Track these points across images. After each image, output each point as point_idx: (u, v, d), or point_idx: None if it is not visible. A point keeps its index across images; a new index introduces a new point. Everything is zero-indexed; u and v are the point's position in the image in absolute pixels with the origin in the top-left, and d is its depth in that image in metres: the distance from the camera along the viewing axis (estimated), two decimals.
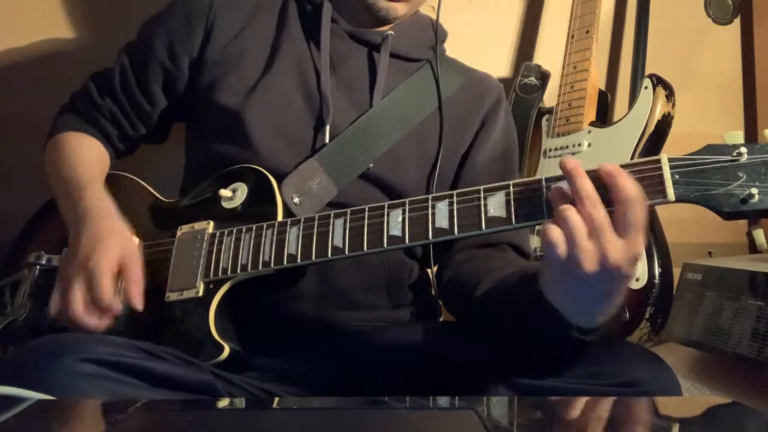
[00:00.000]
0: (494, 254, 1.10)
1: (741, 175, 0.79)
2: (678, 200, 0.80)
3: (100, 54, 1.23)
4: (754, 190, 0.78)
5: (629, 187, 0.76)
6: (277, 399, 0.99)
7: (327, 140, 1.08)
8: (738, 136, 0.81)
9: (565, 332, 0.84)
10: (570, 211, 0.77)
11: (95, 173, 1.11)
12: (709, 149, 0.81)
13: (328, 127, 1.09)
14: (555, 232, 0.77)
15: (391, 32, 1.15)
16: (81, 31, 1.59)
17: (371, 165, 1.10)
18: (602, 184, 0.78)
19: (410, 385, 0.97)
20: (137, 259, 0.99)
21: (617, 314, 0.84)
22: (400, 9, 1.12)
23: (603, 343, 0.95)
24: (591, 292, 0.80)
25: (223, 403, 0.87)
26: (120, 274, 0.97)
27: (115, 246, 0.97)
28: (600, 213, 0.76)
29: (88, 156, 1.14)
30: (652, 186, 0.80)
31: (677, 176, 0.80)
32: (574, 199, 0.79)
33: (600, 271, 0.76)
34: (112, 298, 0.94)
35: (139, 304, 0.96)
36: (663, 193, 0.80)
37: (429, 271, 1.18)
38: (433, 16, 1.23)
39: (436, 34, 1.21)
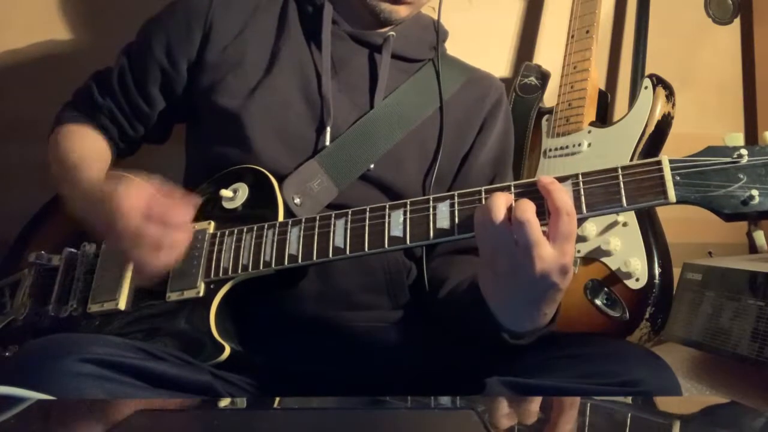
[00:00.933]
0: (467, 259, 1.11)
1: (741, 176, 0.79)
2: (679, 202, 0.80)
3: (100, 54, 1.24)
4: (755, 192, 0.78)
5: (562, 199, 0.81)
6: (277, 399, 0.99)
7: (328, 142, 1.08)
8: (738, 138, 0.81)
9: (496, 334, 0.89)
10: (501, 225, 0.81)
11: (98, 161, 1.12)
12: (710, 151, 0.81)
13: (328, 129, 1.09)
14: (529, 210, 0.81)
15: (392, 33, 1.15)
16: (81, 31, 1.59)
17: (372, 166, 1.10)
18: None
19: (410, 385, 0.97)
20: (161, 186, 0.97)
21: (549, 323, 0.89)
22: (403, 11, 1.12)
23: (603, 343, 0.95)
24: (521, 294, 0.84)
25: (223, 403, 0.87)
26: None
27: (142, 190, 0.95)
28: (534, 229, 0.80)
29: (90, 146, 1.15)
30: (653, 187, 0.81)
31: (678, 178, 0.80)
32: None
33: (530, 274, 0.81)
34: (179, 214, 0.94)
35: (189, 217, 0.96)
36: (664, 194, 0.80)
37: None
38: (434, 17, 1.23)
39: (438, 34, 1.21)
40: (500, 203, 0.82)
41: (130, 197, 0.93)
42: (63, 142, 1.14)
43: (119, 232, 0.93)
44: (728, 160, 0.80)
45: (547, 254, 0.80)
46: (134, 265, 0.97)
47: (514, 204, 0.82)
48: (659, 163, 0.81)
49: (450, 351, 1.03)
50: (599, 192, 0.83)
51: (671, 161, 0.81)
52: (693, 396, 1.35)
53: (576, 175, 0.84)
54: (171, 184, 0.98)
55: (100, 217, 0.96)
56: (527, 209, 0.80)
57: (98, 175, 1.06)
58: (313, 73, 1.12)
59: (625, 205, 0.81)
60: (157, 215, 0.93)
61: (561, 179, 0.84)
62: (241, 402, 0.92)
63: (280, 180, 1.05)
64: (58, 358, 0.80)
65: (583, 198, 0.83)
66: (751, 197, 0.78)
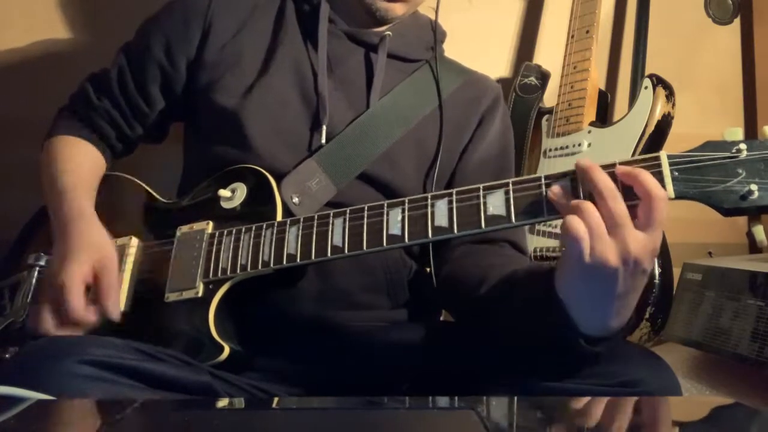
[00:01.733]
0: (493, 251, 1.10)
1: (740, 171, 0.78)
2: (677, 197, 0.80)
3: (100, 54, 1.23)
4: (754, 187, 0.77)
5: (655, 183, 0.77)
6: (276, 399, 0.99)
7: (323, 141, 1.08)
8: (737, 133, 0.80)
9: (571, 338, 0.83)
10: (589, 205, 0.78)
11: (83, 179, 1.11)
12: (709, 146, 0.80)
13: (324, 128, 1.09)
14: (580, 227, 0.77)
15: (388, 33, 1.15)
16: (80, 32, 1.59)
17: (369, 165, 1.09)
18: (614, 179, 0.79)
19: (410, 385, 0.97)
20: (112, 267, 0.99)
21: (627, 322, 0.84)
22: (399, 9, 1.12)
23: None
24: (610, 289, 0.79)
25: (223, 403, 0.86)
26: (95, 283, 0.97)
27: (86, 257, 0.97)
28: (621, 206, 0.77)
29: (78, 162, 1.14)
30: None
31: (676, 173, 0.80)
32: (588, 194, 0.80)
33: (621, 265, 0.77)
34: (82, 312, 0.95)
35: (114, 314, 0.97)
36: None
37: (428, 269, 1.17)
38: (432, 16, 1.23)
39: (435, 34, 1.21)
40: (595, 212, 0.78)
41: (79, 269, 0.96)
42: (50, 158, 1.14)
43: (55, 272, 0.96)
44: (727, 154, 0.79)
45: (639, 239, 0.77)
46: (39, 313, 0.97)
47: (611, 208, 0.77)
48: (657, 158, 0.81)
49: (449, 351, 1.02)
50: None
51: (669, 156, 0.80)
52: (694, 396, 1.35)
53: (573, 171, 0.83)
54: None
55: (63, 246, 0.99)
56: (617, 196, 0.77)
57: (72, 199, 1.06)
58: (310, 72, 1.12)
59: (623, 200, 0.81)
60: (60, 305, 0.95)
61: (559, 175, 0.83)
62: (240, 402, 0.91)
63: (279, 179, 1.05)
64: (57, 359, 0.80)
65: (581, 194, 0.82)
66: (750, 192, 0.77)
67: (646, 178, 0.77)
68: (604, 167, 0.81)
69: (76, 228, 1.01)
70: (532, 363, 0.89)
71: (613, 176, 0.80)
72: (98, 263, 0.97)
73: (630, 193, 0.79)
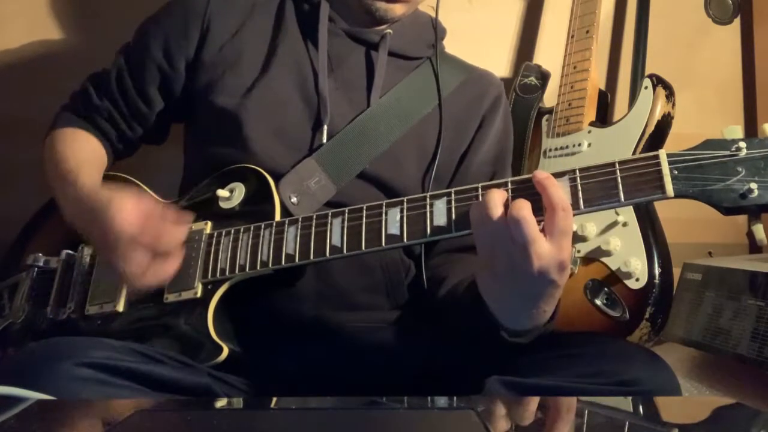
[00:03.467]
0: (467, 258, 1.10)
1: (740, 170, 0.78)
2: (677, 196, 0.80)
3: (100, 54, 1.23)
4: (754, 185, 0.77)
5: (557, 195, 0.80)
6: (275, 399, 0.99)
7: (324, 140, 1.08)
8: (737, 131, 0.80)
9: (496, 332, 0.88)
10: (495, 212, 0.81)
11: (91, 166, 1.11)
12: (708, 144, 0.80)
13: (325, 127, 1.08)
14: (475, 215, 0.83)
15: (389, 31, 1.15)
16: (80, 32, 1.59)
17: (369, 164, 1.09)
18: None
19: (409, 385, 0.97)
20: (156, 207, 0.97)
21: (549, 321, 0.89)
22: (399, 10, 1.12)
23: (603, 343, 0.95)
24: (519, 292, 0.84)
25: (222, 403, 0.86)
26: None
27: (128, 203, 0.95)
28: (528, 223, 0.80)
29: (85, 153, 1.14)
30: (651, 182, 0.80)
31: (676, 172, 0.80)
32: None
33: (528, 272, 0.80)
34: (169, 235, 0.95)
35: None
36: (662, 189, 0.80)
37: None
38: (432, 15, 1.23)
39: (436, 32, 1.21)
40: (496, 200, 0.82)
41: (124, 212, 0.94)
42: (57, 148, 1.14)
43: (110, 245, 0.94)
44: (726, 153, 0.79)
45: (544, 251, 0.79)
46: (122, 279, 0.96)
47: (510, 202, 0.82)
48: (657, 157, 0.81)
49: (449, 351, 1.02)
50: (597, 187, 0.82)
51: (669, 155, 0.80)
52: (694, 396, 1.35)
53: (573, 171, 0.83)
54: (164, 203, 0.99)
55: (93, 225, 0.97)
56: (523, 207, 0.80)
57: (91, 182, 1.04)
58: (310, 71, 1.12)
59: (622, 200, 0.81)
60: (147, 241, 0.93)
61: (558, 175, 0.83)
62: (239, 402, 0.91)
63: (278, 179, 1.05)
64: (55, 362, 0.80)
65: (580, 193, 0.82)
66: (750, 190, 0.77)
67: (552, 190, 0.80)
68: (600, 167, 0.83)
69: (106, 192, 0.98)
70: (530, 362, 0.90)
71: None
72: (140, 206, 0.96)
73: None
